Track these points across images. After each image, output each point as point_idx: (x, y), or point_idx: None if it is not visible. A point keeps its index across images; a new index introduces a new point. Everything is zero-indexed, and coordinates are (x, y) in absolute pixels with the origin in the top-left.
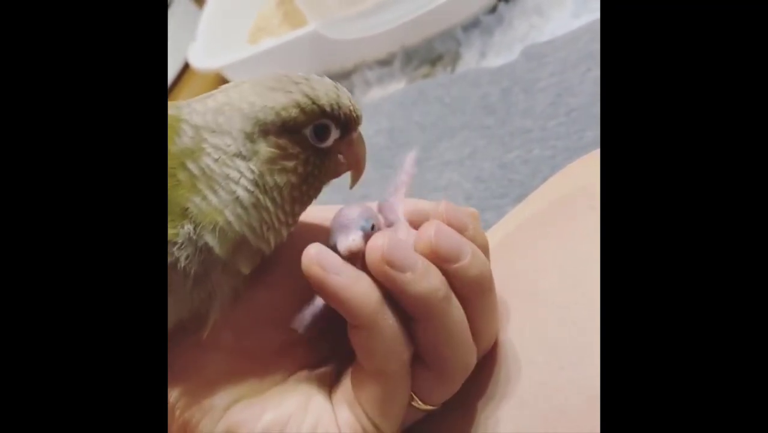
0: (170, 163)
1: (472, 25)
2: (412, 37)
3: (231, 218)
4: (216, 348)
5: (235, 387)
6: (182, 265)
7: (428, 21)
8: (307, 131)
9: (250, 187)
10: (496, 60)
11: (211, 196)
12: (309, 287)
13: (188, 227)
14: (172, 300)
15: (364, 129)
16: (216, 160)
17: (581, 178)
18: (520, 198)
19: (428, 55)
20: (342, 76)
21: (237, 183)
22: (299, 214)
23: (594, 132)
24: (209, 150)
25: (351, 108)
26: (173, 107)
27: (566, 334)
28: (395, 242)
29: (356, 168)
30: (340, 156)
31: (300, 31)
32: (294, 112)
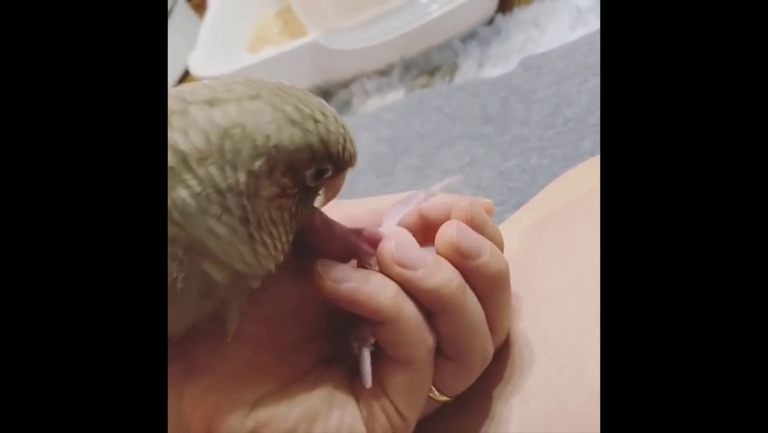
0: None
1: (469, 36)
2: (411, 48)
3: (216, 252)
4: (238, 340)
5: (259, 380)
6: (180, 285)
7: (427, 32)
8: (308, 172)
9: (235, 224)
10: (493, 71)
11: (190, 227)
12: None
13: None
14: (179, 308)
15: (366, 138)
16: (196, 195)
17: (579, 185)
18: (518, 205)
19: (426, 65)
20: (341, 86)
21: (218, 219)
22: (290, 242)
23: (590, 141)
24: (191, 182)
25: (352, 153)
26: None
27: (566, 335)
28: (402, 243)
29: (330, 195)
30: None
31: (299, 41)
32: (306, 156)
